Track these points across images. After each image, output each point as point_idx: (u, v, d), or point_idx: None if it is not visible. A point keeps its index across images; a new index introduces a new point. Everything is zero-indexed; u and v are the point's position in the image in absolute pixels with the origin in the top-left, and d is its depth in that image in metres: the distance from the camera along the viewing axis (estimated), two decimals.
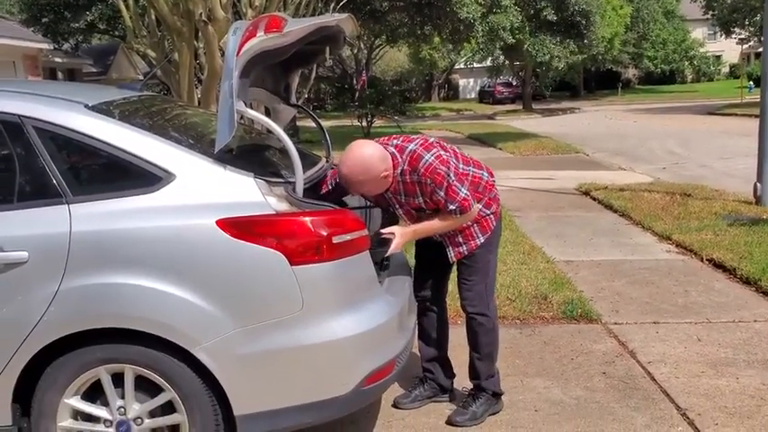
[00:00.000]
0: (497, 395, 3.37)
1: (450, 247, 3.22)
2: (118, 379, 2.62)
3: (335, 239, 2.57)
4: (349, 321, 2.62)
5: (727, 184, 9.84)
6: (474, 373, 3.35)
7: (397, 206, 3.16)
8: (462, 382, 3.49)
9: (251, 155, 3.15)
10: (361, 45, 35.70)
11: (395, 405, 3.44)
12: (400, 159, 3.00)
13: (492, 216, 3.22)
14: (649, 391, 3.58)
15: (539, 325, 4.56)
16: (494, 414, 3.33)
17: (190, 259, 2.51)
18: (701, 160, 13.35)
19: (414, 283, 3.42)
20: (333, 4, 8.18)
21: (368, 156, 2.93)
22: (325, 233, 2.54)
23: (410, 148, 3.01)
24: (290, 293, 2.51)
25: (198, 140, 2.91)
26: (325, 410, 2.64)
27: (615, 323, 4.57)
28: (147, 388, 2.62)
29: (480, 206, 3.14)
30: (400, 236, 3.06)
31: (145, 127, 2.77)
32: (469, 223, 3.15)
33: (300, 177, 2.65)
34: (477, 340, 3.29)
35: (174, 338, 2.50)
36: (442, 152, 3.02)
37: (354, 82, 32.71)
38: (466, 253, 3.21)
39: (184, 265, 2.50)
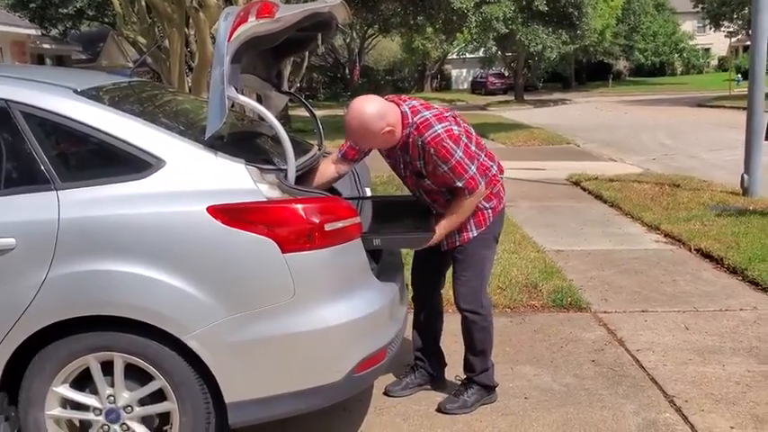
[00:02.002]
0: (491, 387, 3.38)
1: (444, 238, 3.19)
2: (107, 367, 2.60)
3: (327, 227, 2.56)
4: (341, 309, 2.61)
5: (716, 175, 9.90)
6: (468, 367, 3.35)
7: (402, 165, 3.14)
8: (455, 370, 3.51)
9: (243, 142, 3.14)
10: (354, 35, 35.55)
11: (386, 393, 3.45)
12: (410, 120, 2.99)
13: (490, 211, 3.19)
14: (638, 378, 3.61)
15: (529, 313, 4.58)
16: (486, 404, 3.34)
17: (180, 246, 2.49)
18: (689, 151, 13.42)
19: (411, 274, 3.43)
20: None
21: (366, 112, 2.92)
22: (317, 220, 2.53)
23: (424, 114, 3.00)
24: (281, 281, 2.50)
25: (189, 127, 2.89)
26: (317, 397, 2.64)
27: (604, 312, 4.60)
28: (136, 376, 2.61)
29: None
30: (438, 229, 3.06)
31: (134, 113, 2.74)
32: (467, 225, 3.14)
33: (292, 164, 2.63)
34: (471, 337, 3.29)
35: (165, 326, 2.49)
36: (454, 127, 2.99)
37: (347, 71, 32.57)
38: (457, 243, 3.19)
39: (174, 253, 2.49)
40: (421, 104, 3.06)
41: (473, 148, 3.07)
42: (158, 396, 2.62)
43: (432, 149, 2.94)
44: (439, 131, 2.93)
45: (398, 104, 3.01)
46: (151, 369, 2.57)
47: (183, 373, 2.56)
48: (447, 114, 3.05)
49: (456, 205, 3.06)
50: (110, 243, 2.50)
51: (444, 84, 55.89)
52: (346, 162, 3.21)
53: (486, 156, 3.17)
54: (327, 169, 3.18)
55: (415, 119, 2.99)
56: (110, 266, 2.48)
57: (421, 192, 3.21)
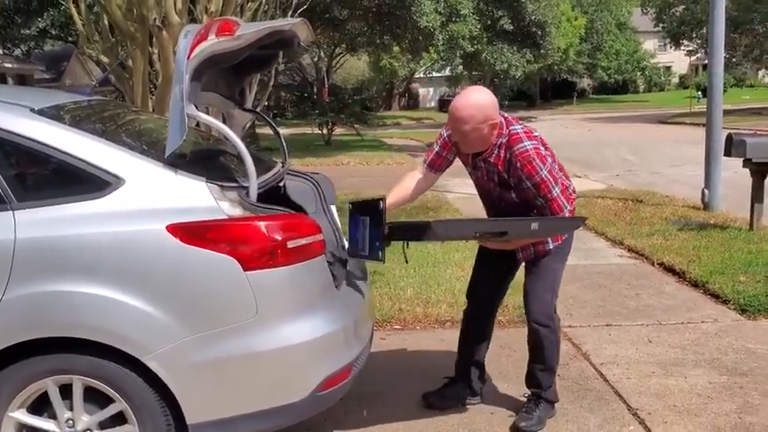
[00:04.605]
0: (554, 403, 3.37)
1: (519, 249, 3.21)
2: (66, 389, 2.55)
3: (290, 244, 2.55)
4: (304, 327, 2.60)
5: (677, 190, 10.11)
6: (535, 383, 3.34)
7: (487, 177, 3.15)
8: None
9: (205, 160, 3.12)
10: (322, 53, 35.66)
11: (428, 405, 3.43)
12: (505, 130, 3.04)
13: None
14: (602, 391, 3.64)
15: (496, 329, 4.58)
16: (548, 419, 3.31)
17: (140, 266, 2.46)
18: (652, 167, 13.68)
19: (472, 283, 3.45)
20: (291, 12, 8.14)
21: (481, 98, 2.98)
22: (279, 238, 2.52)
23: (515, 127, 3.06)
24: (243, 300, 2.48)
25: (150, 146, 2.87)
26: (281, 417, 2.61)
27: (569, 326, 4.64)
28: (96, 399, 2.56)
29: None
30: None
31: (93, 131, 2.71)
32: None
33: (254, 181, 2.62)
34: (543, 352, 3.28)
35: (124, 347, 2.45)
36: (542, 147, 3.05)
37: (315, 90, 32.62)
38: (532, 255, 3.20)
39: (134, 272, 2.46)
40: (513, 118, 3.14)
41: (556, 169, 3.12)
42: (119, 419, 2.57)
43: (518, 163, 2.99)
44: (528, 147, 2.99)
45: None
46: (111, 391, 2.53)
47: (144, 394, 2.52)
48: (536, 134, 3.10)
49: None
50: (68, 263, 2.46)
51: (412, 102, 56.30)
52: (434, 171, 3.29)
53: (565, 176, 3.23)
54: (419, 181, 3.27)
55: (509, 129, 3.05)
56: (68, 287, 2.44)
57: (503, 206, 3.21)
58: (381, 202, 2.94)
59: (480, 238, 3.16)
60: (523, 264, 3.32)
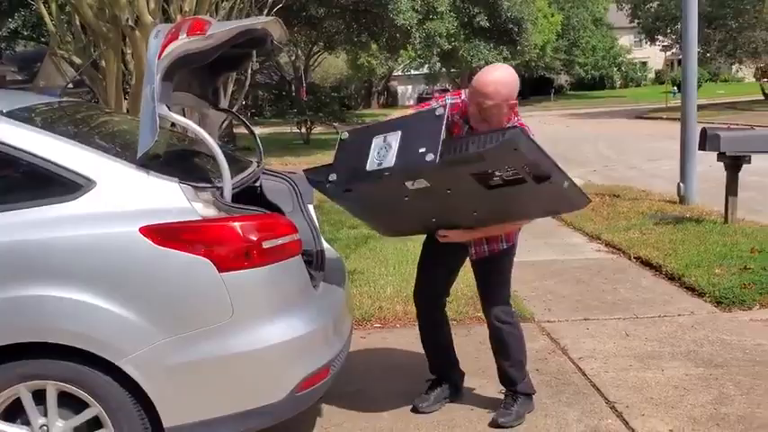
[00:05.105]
0: (531, 395, 3.39)
1: (473, 246, 3.22)
2: (40, 394, 2.51)
3: (266, 244, 2.54)
4: (281, 327, 2.59)
5: (654, 184, 10.21)
6: (507, 380, 3.35)
7: None
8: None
9: (179, 160, 3.09)
10: (299, 52, 35.54)
11: (415, 410, 3.41)
12: (514, 119, 3.05)
13: (518, 229, 3.28)
14: (580, 386, 3.66)
15: (474, 325, 4.61)
16: (528, 413, 3.33)
17: (113, 269, 2.43)
18: (629, 162, 13.81)
19: (419, 287, 3.43)
20: (267, 10, 8.06)
21: (510, 76, 2.97)
22: (254, 238, 2.51)
23: (521, 119, 3.09)
24: (219, 301, 2.47)
25: (123, 147, 2.84)
26: (259, 418, 2.60)
27: (548, 321, 4.67)
28: (71, 403, 2.53)
29: None
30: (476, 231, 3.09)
31: (64, 134, 2.68)
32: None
33: (228, 182, 2.60)
34: (508, 349, 3.30)
35: (99, 351, 2.42)
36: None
37: (293, 89, 32.51)
38: (486, 254, 3.22)
39: (107, 275, 2.43)
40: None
41: None
42: (94, 424, 2.54)
43: None
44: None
45: None
46: (86, 396, 2.50)
47: (120, 398, 2.49)
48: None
49: None
50: (40, 267, 2.42)
51: (391, 100, 56.29)
52: None
53: None
54: None
55: (518, 117, 3.08)
56: (41, 291, 2.41)
57: None
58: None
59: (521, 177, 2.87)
60: (475, 266, 3.31)
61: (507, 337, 3.29)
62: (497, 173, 2.79)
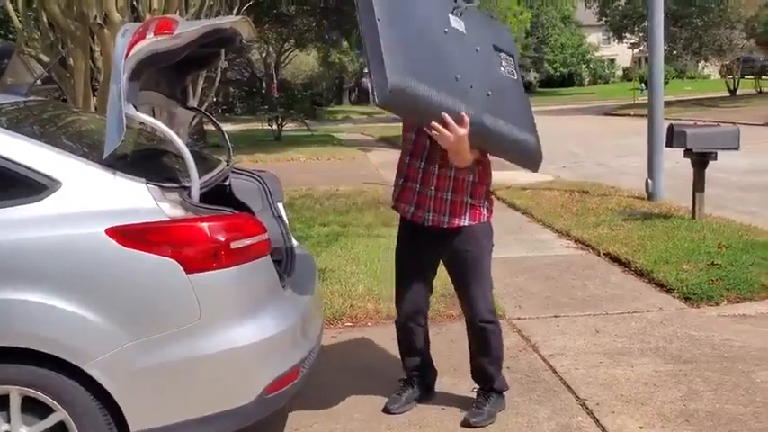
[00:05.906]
0: (502, 393, 3.39)
1: (432, 212, 3.16)
2: (3, 401, 2.45)
3: (234, 245, 2.51)
4: (250, 329, 2.56)
5: (622, 180, 10.34)
6: (484, 377, 3.35)
7: (425, 141, 3.11)
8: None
9: (146, 160, 3.04)
10: (270, 49, 35.32)
11: (386, 411, 3.39)
12: None
13: (486, 212, 3.29)
14: (551, 383, 3.69)
15: (446, 323, 4.62)
16: (499, 411, 3.33)
17: (78, 270, 2.39)
18: (598, 159, 13.97)
19: (399, 295, 3.41)
20: (237, 8, 7.99)
21: None
22: (222, 239, 2.48)
23: None
24: (186, 303, 2.44)
25: (90, 147, 2.78)
26: (227, 421, 2.57)
27: (518, 318, 4.70)
28: (35, 409, 2.47)
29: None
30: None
31: (28, 133, 2.63)
32: (477, 203, 3.19)
33: (196, 181, 2.57)
34: (489, 347, 3.30)
35: (63, 354, 2.38)
36: None
37: (264, 86, 32.30)
38: (444, 225, 3.17)
39: (72, 277, 2.38)
40: None
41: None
42: (60, 429, 2.48)
43: None
44: None
45: None
46: (50, 401, 2.45)
47: (86, 403, 2.44)
48: None
49: None
50: (2, 269, 2.37)
51: (362, 97, 56.19)
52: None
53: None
54: None
55: None
56: (3, 294, 2.35)
57: (436, 176, 3.14)
58: None
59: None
60: (452, 263, 3.31)
61: (491, 336, 3.29)
62: (509, 66, 3.11)
